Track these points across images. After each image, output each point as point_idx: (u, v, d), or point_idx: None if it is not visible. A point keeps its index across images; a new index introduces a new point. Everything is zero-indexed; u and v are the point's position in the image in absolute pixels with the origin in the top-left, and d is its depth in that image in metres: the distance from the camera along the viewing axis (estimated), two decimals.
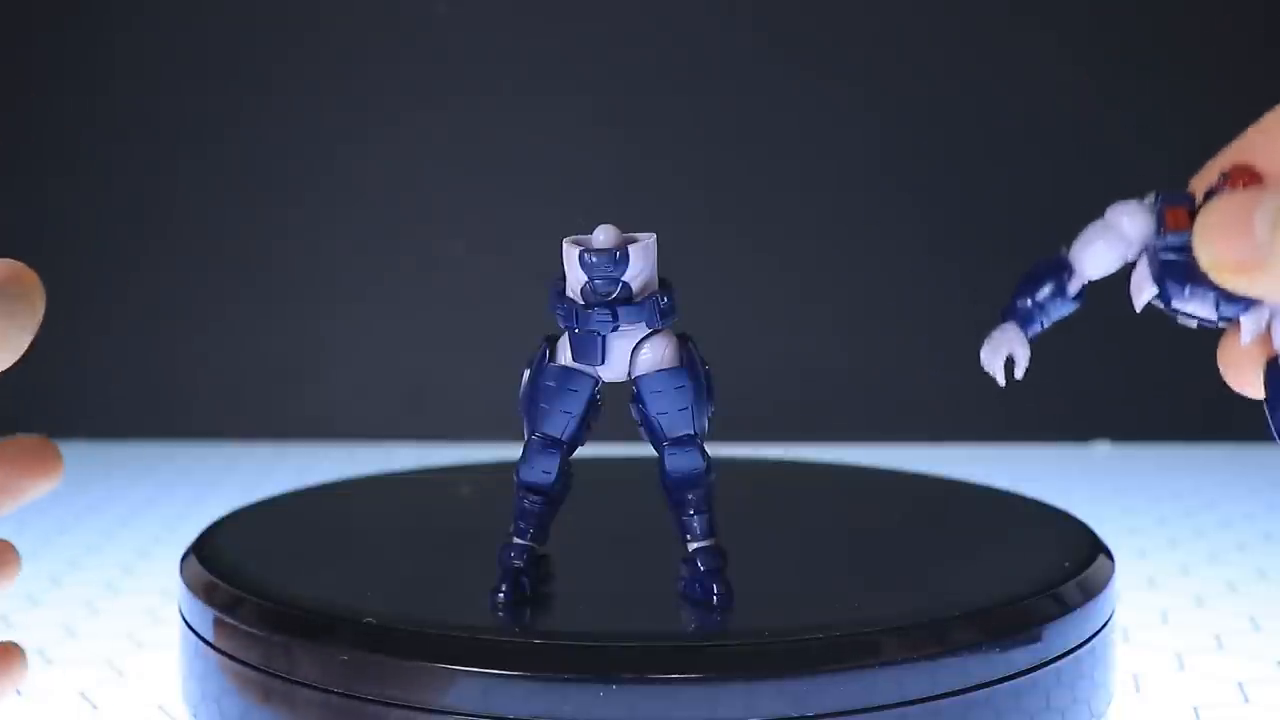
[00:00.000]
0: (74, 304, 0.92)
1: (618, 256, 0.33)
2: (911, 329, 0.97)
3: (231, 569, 0.39)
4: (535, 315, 0.40)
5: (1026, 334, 0.32)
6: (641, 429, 0.36)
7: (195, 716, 0.38)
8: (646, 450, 0.36)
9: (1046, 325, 0.33)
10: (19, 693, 0.46)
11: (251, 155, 0.97)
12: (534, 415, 0.36)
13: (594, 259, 0.33)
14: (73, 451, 0.97)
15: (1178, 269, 0.29)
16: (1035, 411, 0.96)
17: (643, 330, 0.34)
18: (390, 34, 0.96)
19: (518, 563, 0.36)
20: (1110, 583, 0.39)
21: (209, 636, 0.37)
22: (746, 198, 0.97)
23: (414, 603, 0.36)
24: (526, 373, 0.36)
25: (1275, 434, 0.29)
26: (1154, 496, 0.77)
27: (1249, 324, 0.29)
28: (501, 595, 0.36)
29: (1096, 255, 0.31)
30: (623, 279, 0.33)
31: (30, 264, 0.29)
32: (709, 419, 0.36)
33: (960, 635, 0.34)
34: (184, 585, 0.39)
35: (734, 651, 0.33)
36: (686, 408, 0.35)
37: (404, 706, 0.32)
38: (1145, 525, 0.71)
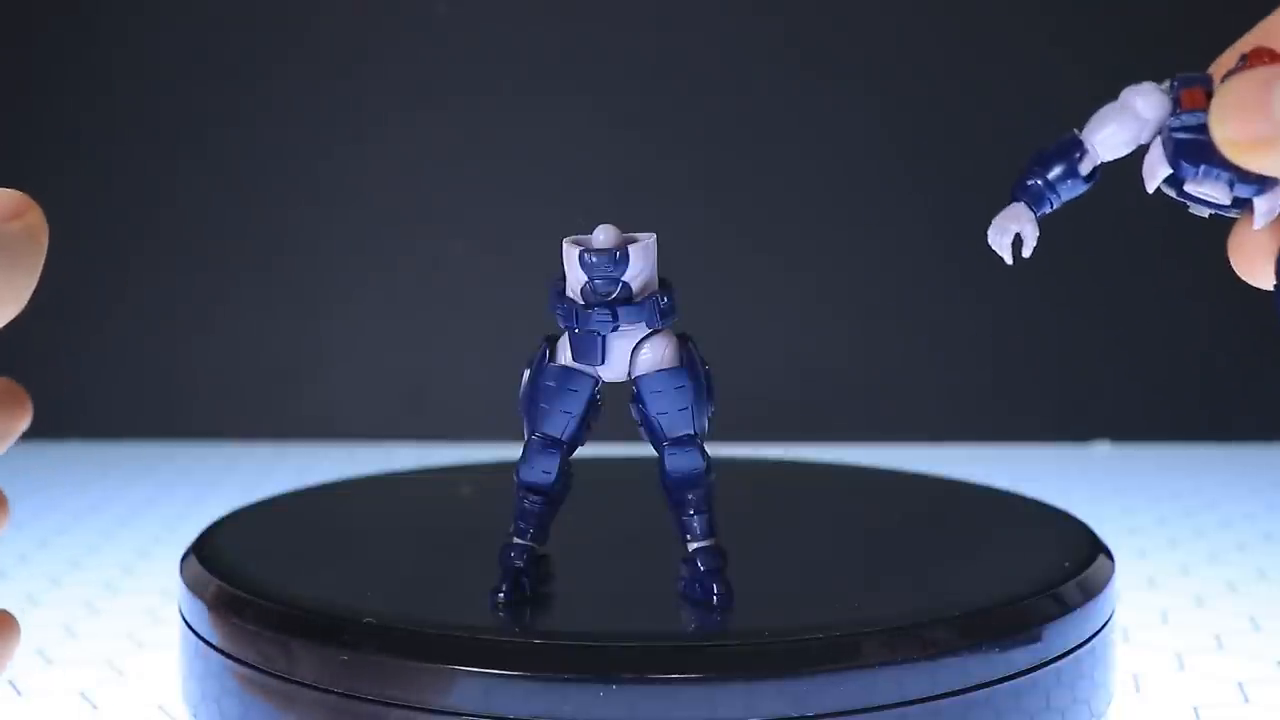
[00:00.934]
0: (74, 304, 0.92)
1: (618, 256, 0.33)
2: (911, 329, 0.97)
3: (231, 569, 0.39)
4: (535, 315, 0.40)
5: (1036, 213, 0.32)
6: (641, 429, 0.36)
7: (195, 716, 0.38)
8: (646, 450, 0.36)
9: (1057, 205, 0.32)
10: (16, 690, 0.46)
11: (252, 155, 0.97)
12: (534, 415, 0.36)
13: (594, 259, 0.33)
14: (72, 451, 0.98)
15: (1192, 148, 0.28)
16: (1035, 411, 0.96)
17: (643, 330, 0.34)
18: (390, 34, 0.96)
19: (518, 563, 0.36)
20: (1110, 583, 0.39)
21: (209, 636, 0.37)
22: (747, 198, 0.97)
23: (414, 603, 0.36)
24: (526, 373, 0.36)
25: None
26: (1154, 496, 0.77)
27: (1262, 206, 0.28)
28: (501, 595, 0.36)
29: (1110, 136, 0.30)
30: (623, 279, 0.33)
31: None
32: (709, 419, 0.36)
33: (960, 635, 0.34)
34: (184, 585, 0.39)
35: (734, 651, 0.33)
36: (686, 408, 0.35)
37: (404, 706, 0.32)
38: (1145, 525, 0.71)
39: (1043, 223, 0.32)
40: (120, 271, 0.95)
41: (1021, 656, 0.35)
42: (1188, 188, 0.29)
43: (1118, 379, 0.96)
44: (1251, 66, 0.27)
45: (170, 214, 0.97)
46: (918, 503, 0.50)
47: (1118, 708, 0.42)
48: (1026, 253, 0.32)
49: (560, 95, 0.96)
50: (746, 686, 0.32)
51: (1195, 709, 0.44)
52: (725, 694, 0.32)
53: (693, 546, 0.36)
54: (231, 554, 0.41)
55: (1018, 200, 0.32)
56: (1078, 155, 0.31)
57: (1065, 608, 0.36)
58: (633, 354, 0.35)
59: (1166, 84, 0.29)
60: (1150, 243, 0.96)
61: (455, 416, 0.94)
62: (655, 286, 0.34)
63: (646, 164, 0.97)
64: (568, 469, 0.36)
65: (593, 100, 0.96)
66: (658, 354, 0.35)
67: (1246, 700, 0.45)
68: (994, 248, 0.31)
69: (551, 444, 0.36)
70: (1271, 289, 0.29)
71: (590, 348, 0.34)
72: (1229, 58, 0.29)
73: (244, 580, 0.37)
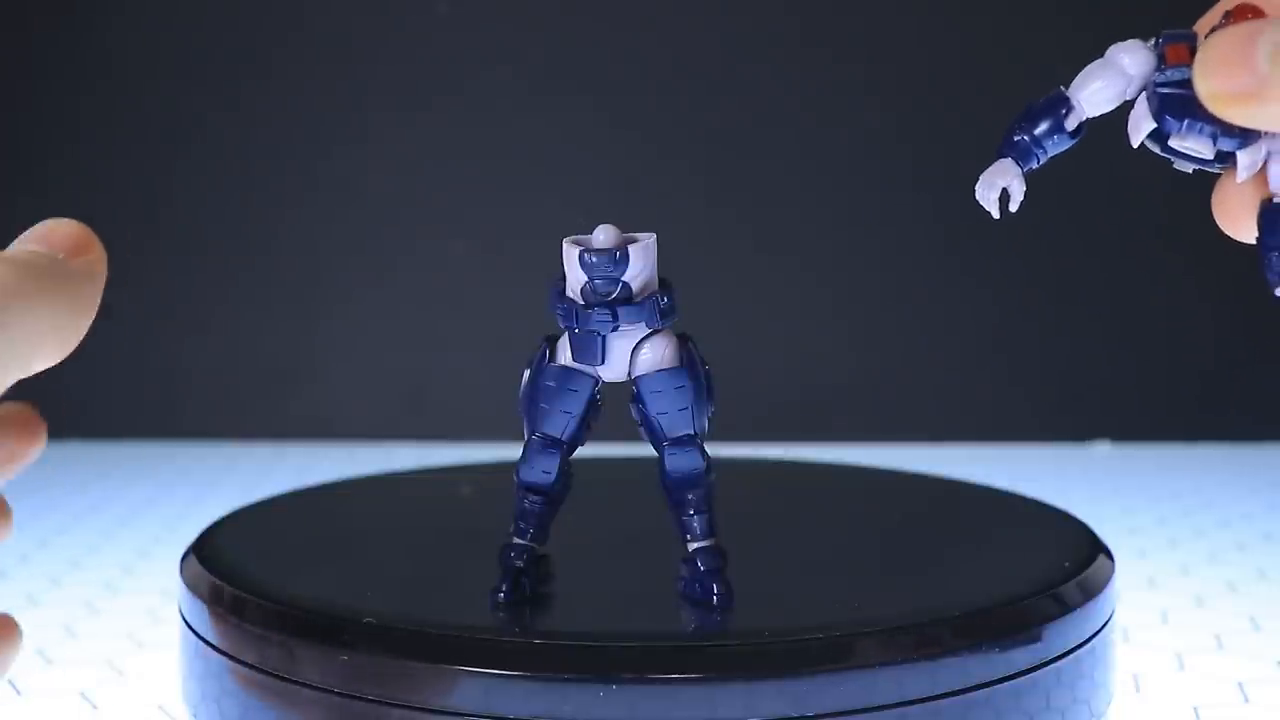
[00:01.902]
0: None
1: (617, 256, 0.33)
2: (911, 329, 0.97)
3: (231, 569, 0.39)
4: (535, 315, 0.40)
5: (1023, 169, 0.32)
6: (641, 429, 0.36)
7: (195, 716, 0.38)
8: (646, 450, 0.36)
9: (1043, 160, 0.32)
10: (16, 690, 0.46)
11: (251, 155, 0.97)
12: (534, 415, 0.36)
13: (594, 259, 0.33)
14: (72, 452, 0.98)
15: (1176, 103, 0.29)
16: (1035, 411, 0.96)
17: (642, 330, 0.34)
18: (390, 34, 0.96)
19: (518, 563, 0.36)
20: (1110, 583, 0.39)
21: (209, 636, 0.37)
22: (746, 198, 0.97)
23: (414, 603, 0.36)
24: (526, 373, 0.36)
25: (1268, 277, 0.30)
26: (1154, 496, 0.78)
27: (1245, 160, 0.29)
28: (501, 595, 0.36)
29: (1096, 92, 0.31)
30: (622, 279, 0.33)
31: None
32: (709, 419, 0.36)
33: (960, 635, 0.34)
34: (184, 585, 0.39)
35: (734, 651, 0.33)
36: (686, 408, 0.35)
37: (404, 706, 0.32)
38: (1145, 525, 0.71)
39: (1029, 178, 0.32)
40: (120, 271, 0.95)
41: (1021, 656, 0.35)
42: (1172, 142, 0.29)
43: (1118, 379, 0.96)
44: (1235, 22, 0.28)
45: (170, 214, 0.97)
46: (918, 503, 0.50)
47: (1118, 708, 0.42)
48: (1013, 207, 0.32)
49: (560, 95, 0.96)
50: (746, 686, 0.32)
51: (1195, 709, 0.44)
52: (725, 694, 0.32)
53: (693, 546, 0.36)
54: (231, 554, 0.41)
55: (1004, 156, 0.32)
56: (1064, 111, 0.31)
57: (1065, 608, 0.36)
58: (633, 354, 0.35)
59: (1152, 41, 0.30)
60: (1150, 243, 0.96)
61: (455, 416, 0.94)
62: (655, 286, 0.34)
63: (646, 164, 0.97)
64: (568, 469, 0.36)
65: (593, 100, 0.96)
66: (658, 354, 0.35)
67: (1246, 700, 0.45)
68: (981, 202, 0.31)
69: (551, 444, 0.35)
70: (1254, 242, 0.30)
71: (590, 347, 0.34)
72: (1213, 15, 0.29)
73: (244, 580, 0.37)
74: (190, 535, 0.43)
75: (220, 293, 0.96)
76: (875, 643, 0.33)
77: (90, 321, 0.26)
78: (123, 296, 0.99)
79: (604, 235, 0.33)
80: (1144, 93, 0.30)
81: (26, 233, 0.27)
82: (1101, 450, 0.93)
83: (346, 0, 0.96)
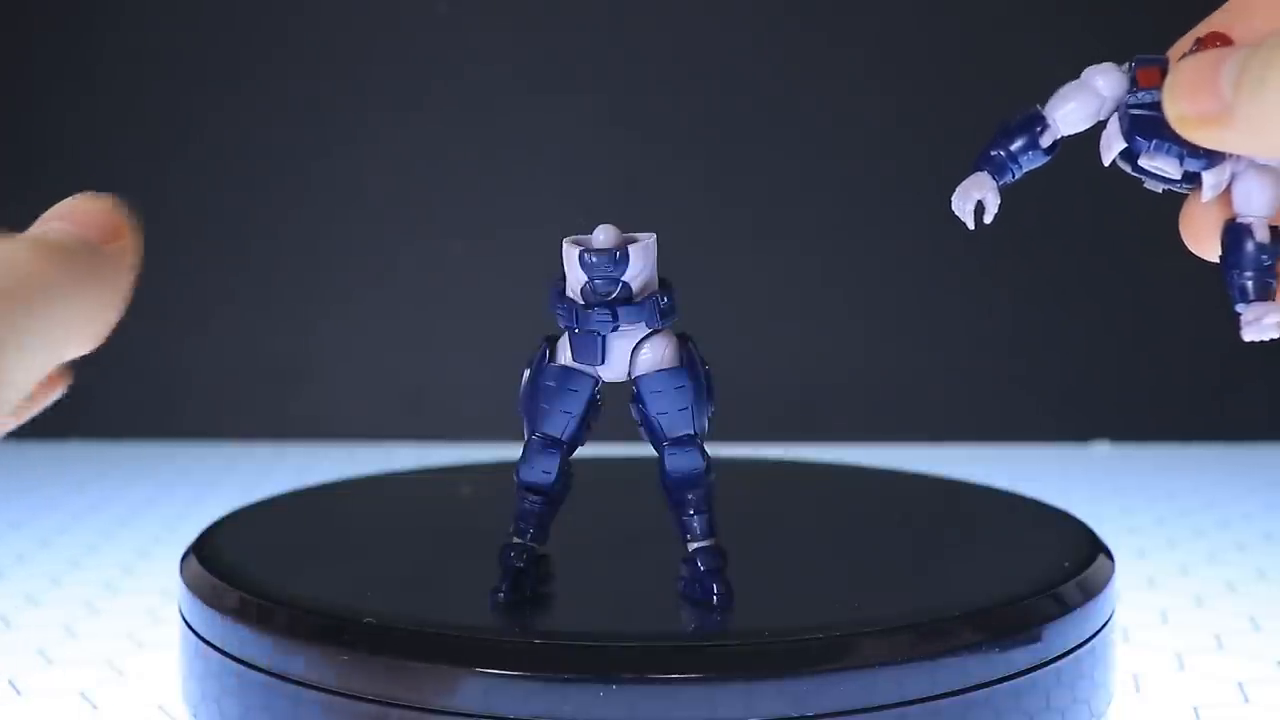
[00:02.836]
0: None
1: (618, 256, 0.33)
2: (911, 329, 0.97)
3: (231, 569, 0.39)
4: (535, 315, 0.40)
5: (998, 182, 0.33)
6: (641, 429, 0.36)
7: (195, 716, 0.38)
8: (647, 450, 0.36)
9: (1018, 175, 0.33)
10: (16, 690, 0.46)
11: (250, 155, 0.97)
12: (534, 415, 0.36)
13: (594, 259, 0.33)
14: (72, 451, 0.98)
15: (1146, 124, 0.30)
16: (1035, 411, 0.96)
17: (643, 330, 0.34)
18: (390, 34, 0.96)
19: (518, 563, 0.36)
20: (1110, 583, 0.39)
21: (209, 636, 0.37)
22: (747, 197, 0.97)
23: (414, 603, 0.36)
24: (526, 373, 0.36)
25: (1231, 294, 0.30)
26: (1154, 496, 0.78)
27: (1210, 180, 0.30)
28: (501, 595, 0.36)
29: (1071, 111, 0.32)
30: (623, 279, 0.33)
31: None
32: (709, 419, 0.36)
33: (960, 635, 0.34)
34: (184, 585, 0.39)
35: (734, 651, 0.33)
36: (686, 408, 0.35)
37: (404, 706, 0.32)
38: (1145, 525, 0.71)
39: (1004, 191, 0.33)
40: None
41: (1021, 656, 0.35)
42: (1141, 161, 0.30)
43: (1118, 379, 0.97)
44: (1204, 49, 0.29)
45: (169, 213, 0.97)
46: (918, 503, 0.50)
47: (1118, 708, 0.42)
48: (988, 219, 0.33)
49: (560, 95, 0.96)
50: (746, 686, 0.32)
51: (1195, 709, 0.44)
52: (725, 694, 0.32)
53: (693, 546, 0.36)
54: (231, 554, 0.41)
55: (980, 170, 0.33)
56: (1039, 129, 0.32)
57: (1065, 608, 0.36)
58: (633, 354, 0.35)
59: (1126, 65, 0.31)
60: (1150, 243, 0.96)
61: (455, 416, 0.94)
62: (655, 286, 0.34)
63: (647, 163, 0.97)
64: (568, 469, 0.36)
65: (593, 100, 0.96)
66: (658, 354, 0.35)
67: (1246, 700, 0.45)
68: (957, 213, 0.33)
69: (551, 444, 0.35)
70: (1217, 260, 0.31)
71: (590, 348, 0.34)
72: (1185, 42, 0.31)
73: (244, 580, 0.37)
74: (190, 535, 0.43)
75: (220, 293, 0.96)
76: (875, 643, 0.33)
77: (121, 310, 0.26)
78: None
79: (604, 235, 0.33)
80: (1116, 113, 0.31)
81: (55, 209, 0.27)
82: (1101, 450, 0.93)
83: (346, 0, 0.96)
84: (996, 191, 0.33)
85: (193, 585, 0.39)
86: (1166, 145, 0.30)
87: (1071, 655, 0.36)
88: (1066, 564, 0.39)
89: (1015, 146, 0.33)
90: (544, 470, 0.36)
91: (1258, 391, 0.96)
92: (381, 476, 0.56)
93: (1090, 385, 0.97)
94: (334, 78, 0.96)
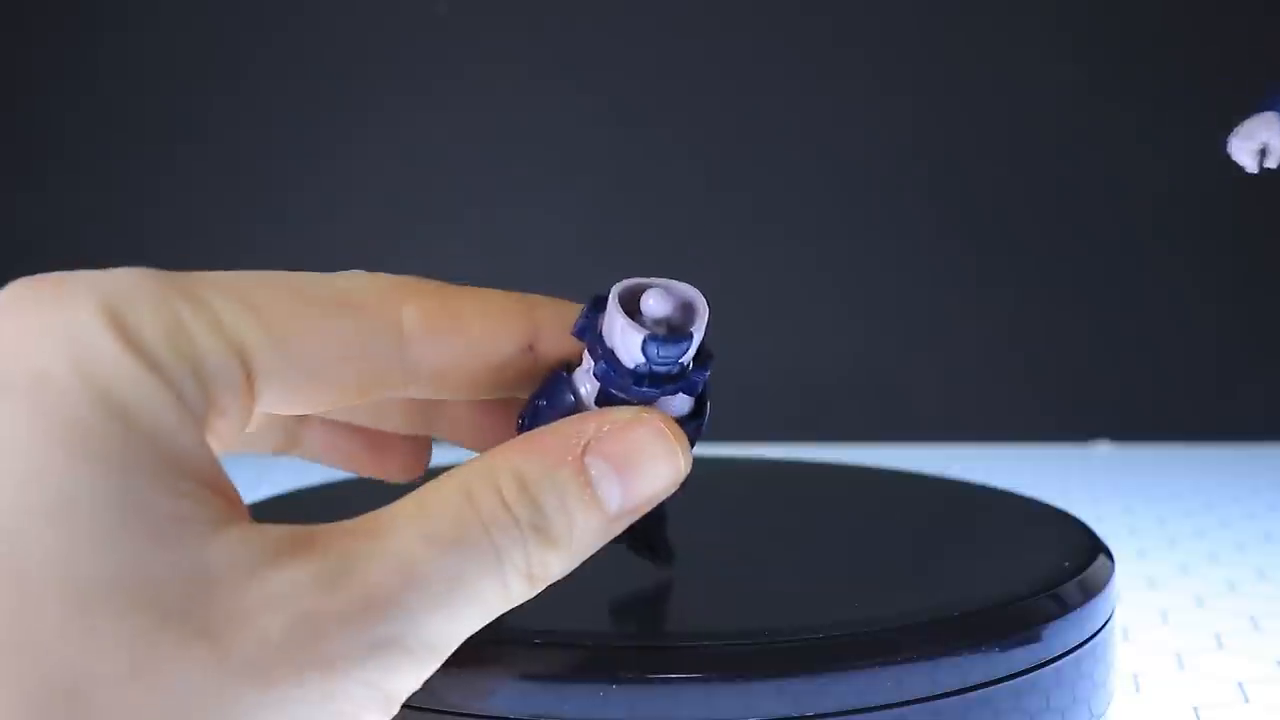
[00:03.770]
0: None
1: (684, 347, 0.28)
2: (912, 329, 0.97)
3: None
4: None
5: None
6: None
7: None
8: None
9: None
10: None
11: (250, 154, 0.97)
12: (536, 417, 0.34)
13: (661, 352, 0.28)
14: None
15: None
16: (1035, 411, 0.96)
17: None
18: (390, 34, 0.96)
19: None
20: (1110, 583, 0.39)
21: None
22: (747, 197, 0.97)
23: None
24: (542, 403, 0.31)
25: None
26: (1154, 496, 0.77)
27: None
28: None
29: None
30: (680, 360, 0.29)
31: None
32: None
33: (960, 635, 0.34)
34: None
35: (734, 651, 0.33)
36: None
37: (403, 706, 0.32)
38: (1145, 525, 0.71)
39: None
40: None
41: (1021, 656, 0.35)
42: None
43: (1118, 378, 0.97)
44: None
45: (169, 213, 0.97)
46: (918, 503, 0.50)
47: (1118, 708, 0.41)
48: (1271, 163, 0.31)
49: (560, 95, 0.96)
50: (746, 686, 0.32)
51: (1195, 709, 0.44)
52: (725, 694, 0.32)
53: None
54: None
55: (1268, 110, 0.31)
56: None
57: (1065, 608, 0.36)
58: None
59: None
60: (1150, 243, 0.96)
61: None
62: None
63: (647, 164, 0.97)
64: None
65: (593, 100, 0.96)
66: (678, 406, 0.32)
67: (1246, 700, 0.45)
68: (1235, 156, 0.30)
69: None
70: None
71: (618, 403, 0.30)
72: None
73: None
74: None
75: None
76: (875, 643, 0.33)
77: None
78: None
79: (660, 306, 0.28)
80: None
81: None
82: (1101, 450, 0.93)
83: (346, 1, 0.96)
84: None
85: None
86: None
87: (1071, 655, 0.36)
88: (1066, 564, 0.39)
89: None
90: None
91: (1258, 391, 0.96)
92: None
93: (1090, 385, 0.97)
94: (335, 78, 0.96)
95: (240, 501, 0.25)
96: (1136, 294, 0.96)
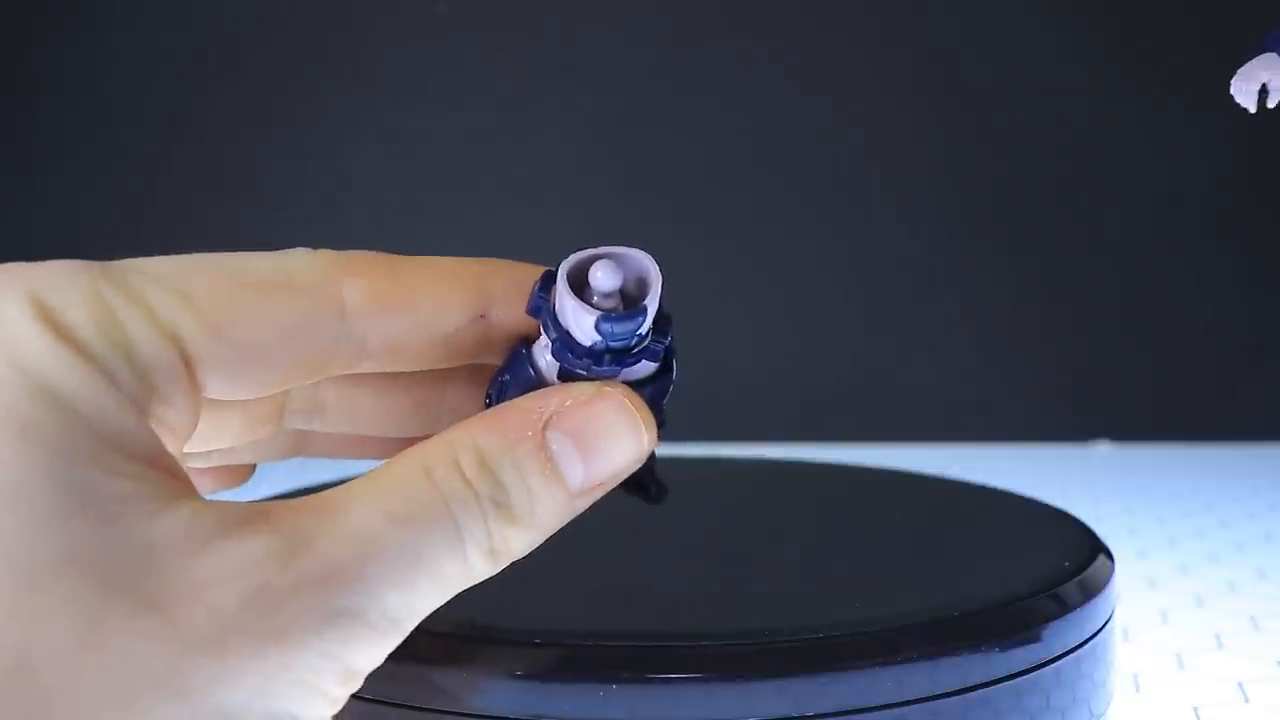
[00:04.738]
0: None
1: (640, 322, 0.28)
2: (912, 329, 0.97)
3: None
4: None
5: None
6: None
7: None
8: None
9: None
10: None
11: (251, 154, 0.97)
12: (501, 394, 0.33)
13: (614, 329, 0.28)
14: None
15: None
16: (1035, 411, 0.96)
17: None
18: (390, 34, 0.96)
19: None
20: (1110, 583, 0.39)
21: None
22: (746, 197, 0.97)
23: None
24: (506, 377, 0.31)
25: None
26: (1154, 496, 0.78)
27: None
28: None
29: None
30: (638, 333, 0.29)
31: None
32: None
33: (960, 635, 0.34)
34: None
35: (734, 651, 0.33)
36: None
37: (403, 706, 0.32)
38: (1145, 525, 0.71)
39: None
40: None
41: (1021, 656, 0.35)
42: None
43: (1118, 378, 0.97)
44: None
45: (168, 214, 0.97)
46: (918, 503, 0.50)
47: (1118, 708, 0.41)
48: (1271, 103, 0.30)
49: (560, 95, 0.96)
50: (746, 686, 0.32)
51: (1195, 709, 0.44)
52: (725, 694, 0.32)
53: None
54: None
55: (1270, 50, 0.30)
56: None
57: (1065, 608, 0.36)
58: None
59: None
60: (1150, 243, 0.96)
61: None
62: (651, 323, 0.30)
63: (647, 163, 0.97)
64: None
65: (593, 100, 0.96)
66: (645, 368, 0.32)
67: (1246, 700, 0.45)
68: (1237, 96, 0.30)
69: None
70: None
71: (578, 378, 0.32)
72: None
73: None
74: None
75: None
76: (875, 643, 0.33)
77: None
78: None
79: (609, 279, 0.28)
80: None
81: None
82: (1101, 450, 0.93)
83: (346, 1, 0.96)
84: None
85: None
86: None
87: (1071, 655, 0.36)
88: (1066, 564, 0.39)
89: None
90: None
91: (1258, 391, 0.96)
92: None
93: (1090, 385, 0.97)
94: (335, 78, 0.96)
95: (190, 482, 0.25)
96: (1136, 294, 0.96)
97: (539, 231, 0.94)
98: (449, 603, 0.36)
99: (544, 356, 0.29)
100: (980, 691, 0.34)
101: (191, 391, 0.26)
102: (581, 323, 0.28)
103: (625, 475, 0.28)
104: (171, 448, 0.25)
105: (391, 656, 0.33)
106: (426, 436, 0.27)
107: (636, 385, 0.30)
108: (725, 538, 0.36)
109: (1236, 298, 0.95)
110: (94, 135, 0.96)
